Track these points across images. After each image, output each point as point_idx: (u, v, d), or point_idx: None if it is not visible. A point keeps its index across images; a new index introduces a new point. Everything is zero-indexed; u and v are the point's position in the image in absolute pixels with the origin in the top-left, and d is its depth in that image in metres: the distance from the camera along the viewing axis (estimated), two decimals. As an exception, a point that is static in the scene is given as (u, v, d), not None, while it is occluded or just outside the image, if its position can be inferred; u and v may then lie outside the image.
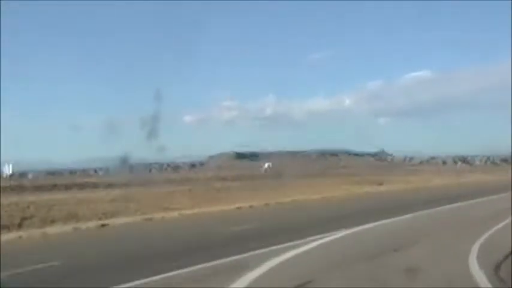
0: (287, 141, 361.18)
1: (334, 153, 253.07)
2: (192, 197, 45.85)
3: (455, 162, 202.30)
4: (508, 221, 22.42)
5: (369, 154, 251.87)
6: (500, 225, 21.26)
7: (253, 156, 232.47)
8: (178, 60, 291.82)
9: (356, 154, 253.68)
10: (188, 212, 30.67)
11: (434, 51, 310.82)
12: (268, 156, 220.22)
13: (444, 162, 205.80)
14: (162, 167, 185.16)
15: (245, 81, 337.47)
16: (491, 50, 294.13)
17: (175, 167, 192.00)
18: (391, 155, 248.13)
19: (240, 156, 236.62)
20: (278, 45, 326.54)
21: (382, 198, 40.34)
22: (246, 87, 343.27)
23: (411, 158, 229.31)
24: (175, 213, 29.58)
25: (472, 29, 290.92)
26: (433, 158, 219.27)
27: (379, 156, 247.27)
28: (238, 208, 32.73)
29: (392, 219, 23.99)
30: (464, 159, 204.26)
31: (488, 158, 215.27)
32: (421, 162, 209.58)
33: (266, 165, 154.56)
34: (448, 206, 31.64)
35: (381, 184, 67.19)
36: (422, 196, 41.84)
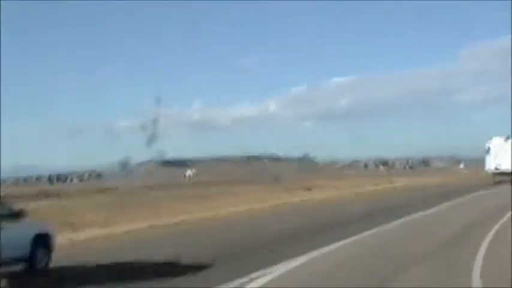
0: (214, 147, 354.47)
1: (260, 158, 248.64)
2: (107, 210, 39.25)
3: (376, 165, 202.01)
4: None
5: (293, 158, 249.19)
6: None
7: (179, 163, 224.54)
8: (103, 64, 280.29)
9: (281, 159, 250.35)
10: (82, 235, 24.03)
11: (357, 57, 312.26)
12: (194, 162, 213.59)
13: (366, 166, 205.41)
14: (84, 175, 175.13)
15: (171, 86, 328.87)
16: (412, 55, 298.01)
17: (98, 175, 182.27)
18: (314, 158, 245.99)
19: (167, 163, 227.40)
20: (204, 50, 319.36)
21: (320, 210, 34.66)
22: (172, 93, 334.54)
23: (334, 162, 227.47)
24: (65, 237, 22.75)
25: (394, 35, 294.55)
26: (355, 161, 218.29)
27: (303, 161, 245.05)
28: (151, 227, 26.50)
29: (337, 246, 18.26)
30: (385, 163, 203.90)
31: (407, 161, 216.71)
32: (344, 166, 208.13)
33: (188, 172, 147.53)
34: (403, 220, 26.21)
35: (309, 189, 62.19)
36: (365, 206, 36.04)
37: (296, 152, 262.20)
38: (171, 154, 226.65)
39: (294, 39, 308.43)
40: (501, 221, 23.89)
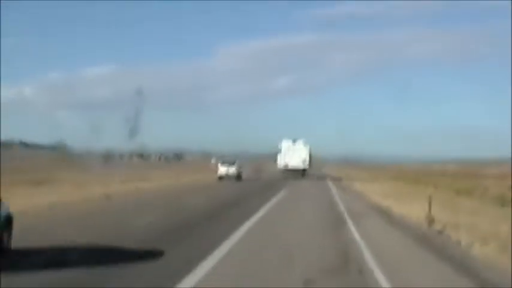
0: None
1: (8, 145, 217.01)
2: None
3: (131, 157, 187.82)
4: None
5: (45, 146, 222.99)
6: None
7: None
8: None
9: (32, 146, 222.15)
10: None
11: (118, 46, 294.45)
12: None
13: (121, 157, 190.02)
14: None
15: None
16: (173, 49, 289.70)
17: None
18: (68, 147, 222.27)
19: None
20: None
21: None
22: None
23: (88, 152, 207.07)
24: None
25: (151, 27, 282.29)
26: (110, 153, 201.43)
27: (56, 149, 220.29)
28: None
29: None
30: (141, 155, 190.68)
31: (161, 154, 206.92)
32: (99, 157, 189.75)
33: None
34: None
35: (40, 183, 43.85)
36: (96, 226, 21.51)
37: (49, 140, 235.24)
38: None
39: (52, 22, 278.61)
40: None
